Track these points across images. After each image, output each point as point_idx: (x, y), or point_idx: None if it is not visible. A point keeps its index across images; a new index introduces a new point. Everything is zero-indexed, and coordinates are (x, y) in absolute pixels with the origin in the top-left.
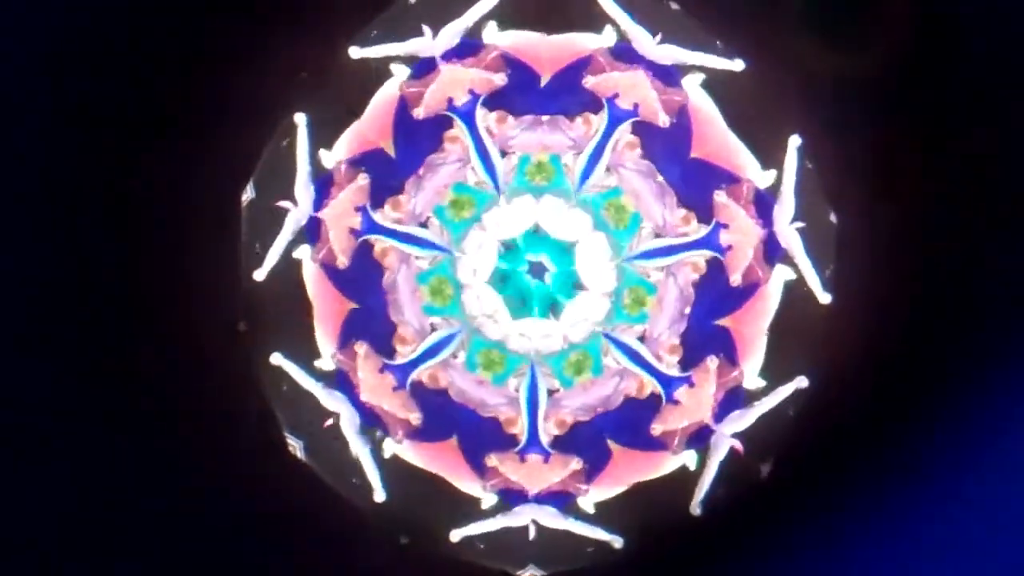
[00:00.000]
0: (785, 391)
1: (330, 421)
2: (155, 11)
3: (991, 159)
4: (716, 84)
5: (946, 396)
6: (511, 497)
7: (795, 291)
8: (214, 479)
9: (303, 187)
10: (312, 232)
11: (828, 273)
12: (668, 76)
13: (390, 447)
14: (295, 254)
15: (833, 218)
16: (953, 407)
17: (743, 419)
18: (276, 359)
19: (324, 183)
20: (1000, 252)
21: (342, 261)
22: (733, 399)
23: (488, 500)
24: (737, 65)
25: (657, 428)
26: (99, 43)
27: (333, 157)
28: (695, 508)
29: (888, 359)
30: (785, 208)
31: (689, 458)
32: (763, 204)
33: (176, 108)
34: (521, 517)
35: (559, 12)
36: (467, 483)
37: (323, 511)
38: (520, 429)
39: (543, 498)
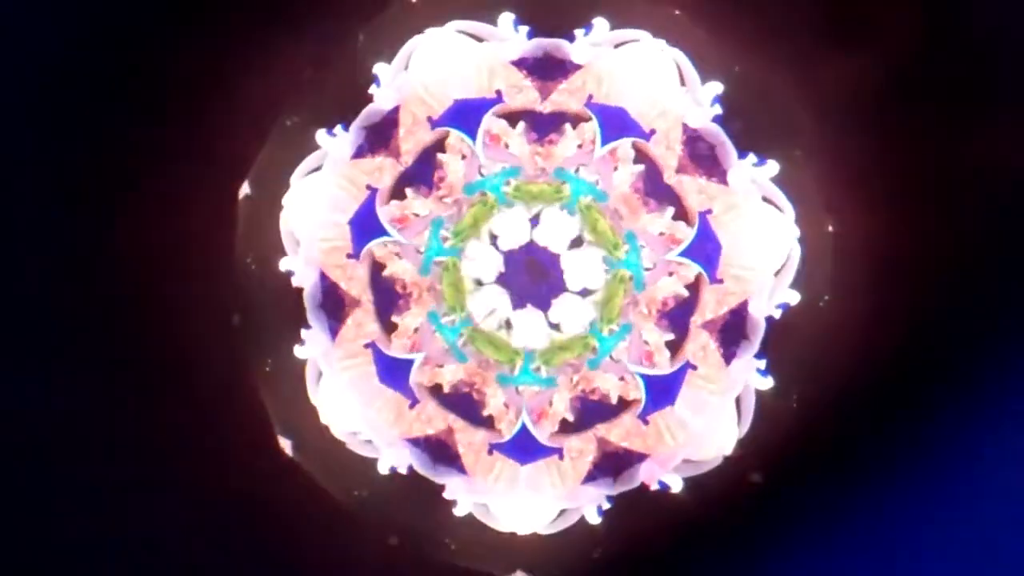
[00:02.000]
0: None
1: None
2: (157, 14)
3: (993, 171)
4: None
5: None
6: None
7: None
8: (203, 472)
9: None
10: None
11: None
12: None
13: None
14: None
15: (830, 228)
16: (947, 415)
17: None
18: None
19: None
20: (999, 263)
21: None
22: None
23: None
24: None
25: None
26: (99, 45)
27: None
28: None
29: (881, 369)
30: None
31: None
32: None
33: (177, 108)
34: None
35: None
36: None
37: (312, 509)
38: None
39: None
